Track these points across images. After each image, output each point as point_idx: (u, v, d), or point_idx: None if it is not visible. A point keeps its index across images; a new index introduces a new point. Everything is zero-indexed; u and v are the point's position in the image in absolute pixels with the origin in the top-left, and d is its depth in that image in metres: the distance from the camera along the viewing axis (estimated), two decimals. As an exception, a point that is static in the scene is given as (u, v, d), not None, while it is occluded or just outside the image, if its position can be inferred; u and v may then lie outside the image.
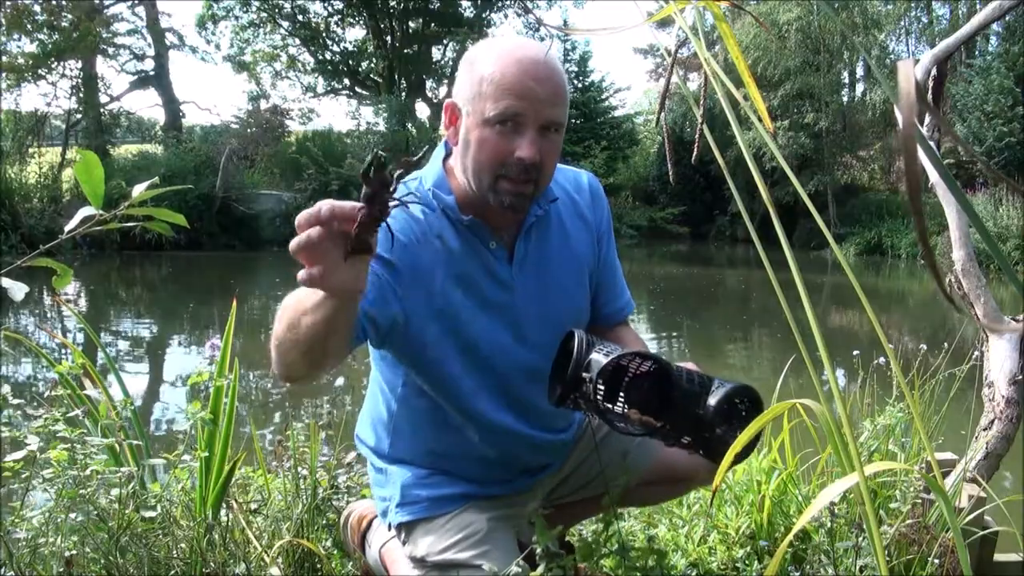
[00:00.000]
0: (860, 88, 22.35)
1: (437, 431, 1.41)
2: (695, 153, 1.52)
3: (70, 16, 16.17)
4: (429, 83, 25.77)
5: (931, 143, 1.82)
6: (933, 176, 1.72)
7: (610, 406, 1.14)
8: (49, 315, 8.43)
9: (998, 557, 1.73)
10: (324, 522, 1.77)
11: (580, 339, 1.16)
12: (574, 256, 1.42)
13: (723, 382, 1.15)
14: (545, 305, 1.37)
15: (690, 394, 1.13)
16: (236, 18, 24.41)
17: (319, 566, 1.70)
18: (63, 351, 6.12)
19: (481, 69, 1.22)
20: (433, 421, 1.40)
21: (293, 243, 0.87)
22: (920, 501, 1.75)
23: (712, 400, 1.12)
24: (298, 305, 1.03)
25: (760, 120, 0.73)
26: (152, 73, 20.76)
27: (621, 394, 1.16)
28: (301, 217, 0.87)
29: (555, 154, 1.26)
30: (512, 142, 1.21)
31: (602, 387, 1.14)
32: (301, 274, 0.89)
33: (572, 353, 1.15)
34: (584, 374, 1.13)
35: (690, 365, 1.24)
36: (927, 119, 1.86)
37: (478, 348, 1.32)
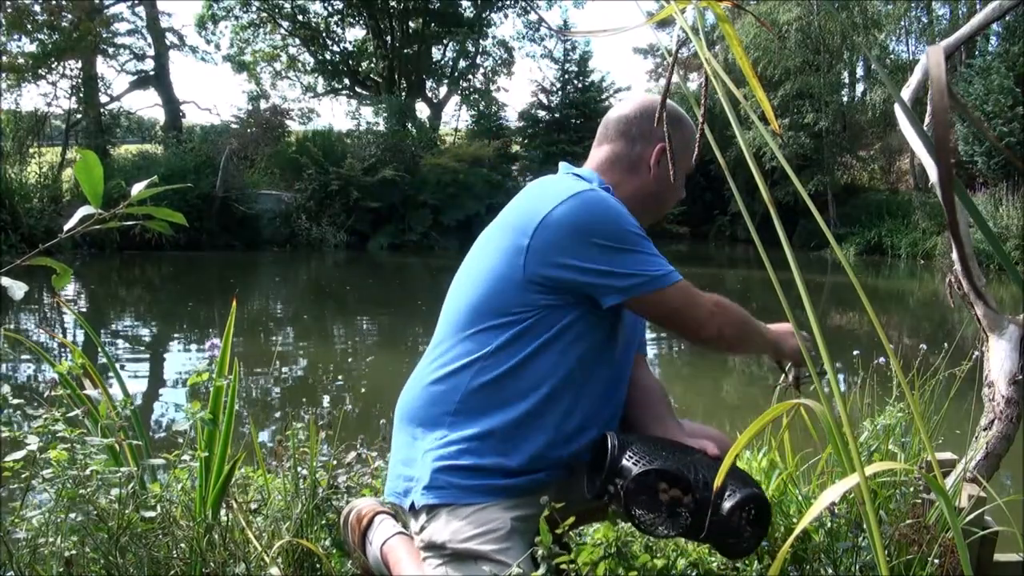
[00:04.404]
0: (860, 88, 22.37)
1: (505, 409, 1.44)
2: (695, 153, 1.54)
3: (70, 16, 16.17)
4: (429, 83, 25.78)
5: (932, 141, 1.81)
6: (933, 176, 1.71)
7: (636, 509, 1.32)
8: (49, 315, 8.43)
9: (998, 557, 1.73)
10: (324, 522, 1.77)
11: (612, 445, 1.36)
12: None
13: (735, 488, 1.32)
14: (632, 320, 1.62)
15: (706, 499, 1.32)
16: (236, 18, 24.47)
17: (319, 566, 1.70)
18: (63, 351, 6.12)
19: (686, 132, 1.63)
20: (506, 397, 1.45)
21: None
22: (920, 501, 1.75)
23: (726, 504, 1.30)
24: (763, 344, 1.59)
25: (762, 120, 0.73)
26: (152, 73, 20.77)
27: (644, 497, 1.33)
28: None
29: None
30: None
31: (629, 493, 1.32)
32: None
33: (606, 455, 1.36)
34: (617, 479, 1.33)
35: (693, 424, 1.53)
36: (927, 118, 1.86)
37: (618, 334, 1.55)
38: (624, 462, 1.32)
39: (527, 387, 1.44)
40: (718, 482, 0.87)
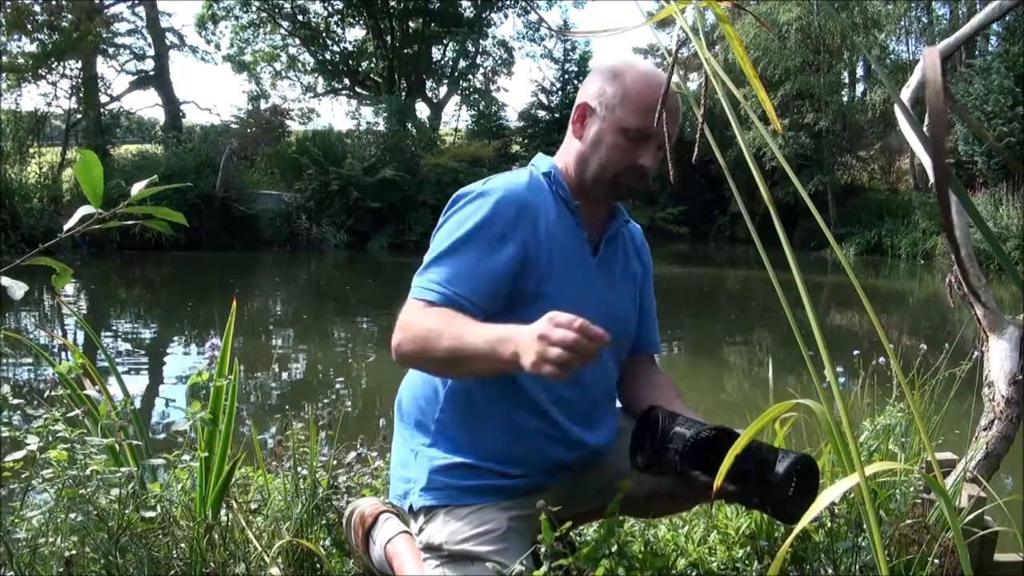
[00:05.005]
0: (860, 88, 22.39)
1: (486, 412, 1.44)
2: (695, 153, 1.53)
3: (70, 16, 16.16)
4: (429, 83, 25.78)
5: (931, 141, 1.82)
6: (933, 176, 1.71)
7: (690, 472, 1.33)
8: (49, 315, 8.43)
9: (998, 557, 1.73)
10: (324, 522, 1.77)
11: (663, 414, 1.38)
12: (632, 277, 1.63)
13: (786, 452, 1.36)
14: (610, 304, 1.52)
15: (762, 462, 1.35)
16: (236, 18, 24.47)
17: (319, 566, 1.70)
18: (63, 351, 6.12)
19: (624, 83, 1.42)
20: (485, 400, 1.44)
21: (567, 351, 1.10)
22: (920, 501, 1.75)
23: (780, 468, 1.33)
24: (469, 352, 1.24)
25: (763, 120, 0.73)
26: (152, 73, 20.78)
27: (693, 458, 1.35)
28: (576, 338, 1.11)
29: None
30: (637, 151, 1.43)
31: (684, 456, 1.34)
32: (552, 369, 1.11)
33: (655, 426, 1.37)
34: (669, 445, 1.35)
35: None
36: (926, 118, 1.86)
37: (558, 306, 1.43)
38: (677, 428, 1.35)
39: (504, 388, 1.43)
40: (718, 482, 0.86)
